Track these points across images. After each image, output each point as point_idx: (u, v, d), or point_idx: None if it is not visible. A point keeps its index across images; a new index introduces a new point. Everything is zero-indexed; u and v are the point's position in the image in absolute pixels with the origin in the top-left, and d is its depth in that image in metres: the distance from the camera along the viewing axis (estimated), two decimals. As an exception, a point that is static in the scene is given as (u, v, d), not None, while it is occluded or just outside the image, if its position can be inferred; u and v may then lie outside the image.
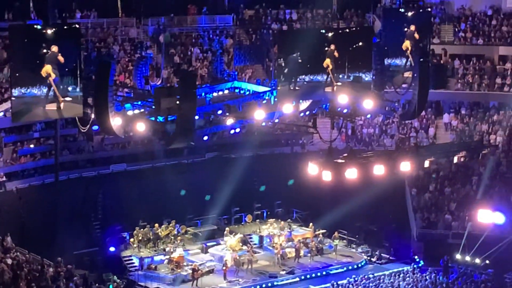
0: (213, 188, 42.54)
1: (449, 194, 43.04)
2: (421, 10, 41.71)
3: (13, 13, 42.52)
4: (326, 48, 34.86)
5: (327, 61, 34.95)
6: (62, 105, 30.64)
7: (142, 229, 39.68)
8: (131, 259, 38.87)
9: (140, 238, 39.41)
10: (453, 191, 43.07)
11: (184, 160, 43.73)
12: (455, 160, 37.00)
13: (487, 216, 39.25)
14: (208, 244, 40.87)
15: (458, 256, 39.08)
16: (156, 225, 40.00)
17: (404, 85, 38.21)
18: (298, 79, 35.26)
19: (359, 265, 40.22)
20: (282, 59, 35.33)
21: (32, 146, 40.42)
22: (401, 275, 37.54)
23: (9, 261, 32.10)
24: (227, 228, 41.47)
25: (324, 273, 39.07)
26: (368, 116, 42.04)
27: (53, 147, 40.15)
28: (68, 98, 30.73)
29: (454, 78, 47.98)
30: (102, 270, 36.89)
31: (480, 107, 48.33)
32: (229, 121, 34.50)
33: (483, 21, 50.04)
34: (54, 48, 29.55)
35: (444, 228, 41.21)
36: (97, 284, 33.51)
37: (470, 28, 49.78)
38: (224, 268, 37.71)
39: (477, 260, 38.40)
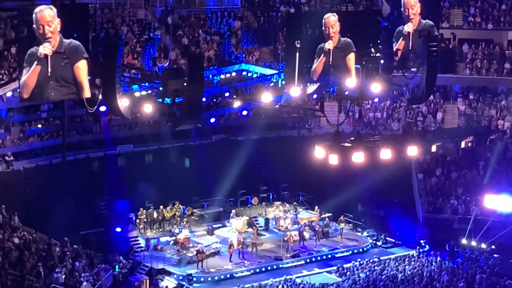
0: (220, 170, 42.58)
1: (455, 179, 42.98)
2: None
3: (21, -7, 42.41)
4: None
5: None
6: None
7: (146, 210, 39.84)
8: (137, 240, 39.01)
9: (145, 219, 39.59)
10: (460, 176, 43.01)
11: (191, 142, 43.75)
12: (463, 145, 36.92)
13: (493, 202, 39.24)
14: (214, 226, 40.99)
15: (464, 241, 39.12)
16: (161, 206, 40.14)
17: (412, 69, 38.04)
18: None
19: (365, 249, 40.26)
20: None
21: (39, 126, 40.46)
22: (407, 259, 37.61)
23: (16, 240, 32.30)
24: (233, 210, 41.56)
25: (329, 256, 39.15)
26: (376, 100, 41.92)
27: (61, 127, 40.23)
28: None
29: (462, 62, 47.76)
30: (108, 251, 37.04)
31: (488, 92, 48.15)
32: (236, 104, 34.44)
33: (493, 6, 49.70)
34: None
35: (450, 213, 41.20)
36: (103, 265, 33.65)
37: (480, 13, 49.45)
38: (229, 250, 37.81)
39: (483, 245, 38.44)
